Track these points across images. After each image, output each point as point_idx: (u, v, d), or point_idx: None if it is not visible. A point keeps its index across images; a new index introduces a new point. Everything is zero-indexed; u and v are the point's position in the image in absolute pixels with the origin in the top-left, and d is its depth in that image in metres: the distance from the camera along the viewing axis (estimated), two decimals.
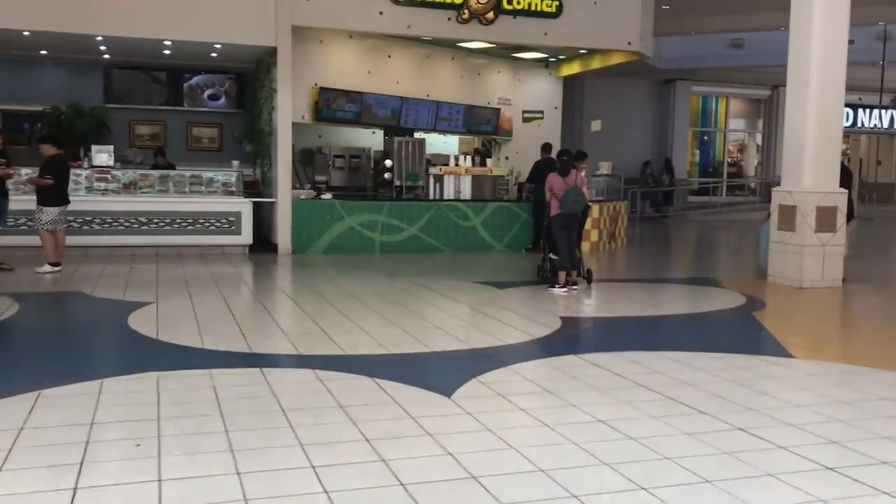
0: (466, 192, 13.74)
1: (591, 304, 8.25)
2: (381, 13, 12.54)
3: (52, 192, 9.63)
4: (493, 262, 12.33)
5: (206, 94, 14.53)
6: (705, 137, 26.93)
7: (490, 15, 12.98)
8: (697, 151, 26.79)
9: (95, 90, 14.32)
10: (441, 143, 16.22)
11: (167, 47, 12.66)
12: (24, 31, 11.39)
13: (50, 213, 9.61)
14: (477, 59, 16.29)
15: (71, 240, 10.43)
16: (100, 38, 12.06)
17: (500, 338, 6.35)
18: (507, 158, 17.19)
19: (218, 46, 12.61)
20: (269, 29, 12.05)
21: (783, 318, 7.79)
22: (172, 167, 12.87)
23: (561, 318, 7.34)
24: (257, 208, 13.23)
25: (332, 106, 13.84)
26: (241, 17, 11.94)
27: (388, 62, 14.83)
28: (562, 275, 9.11)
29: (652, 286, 9.94)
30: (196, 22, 11.71)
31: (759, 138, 27.44)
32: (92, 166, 11.84)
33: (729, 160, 27.37)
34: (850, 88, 9.97)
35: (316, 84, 13.73)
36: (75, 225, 10.98)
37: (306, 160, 14.10)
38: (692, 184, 26.16)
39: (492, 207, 13.47)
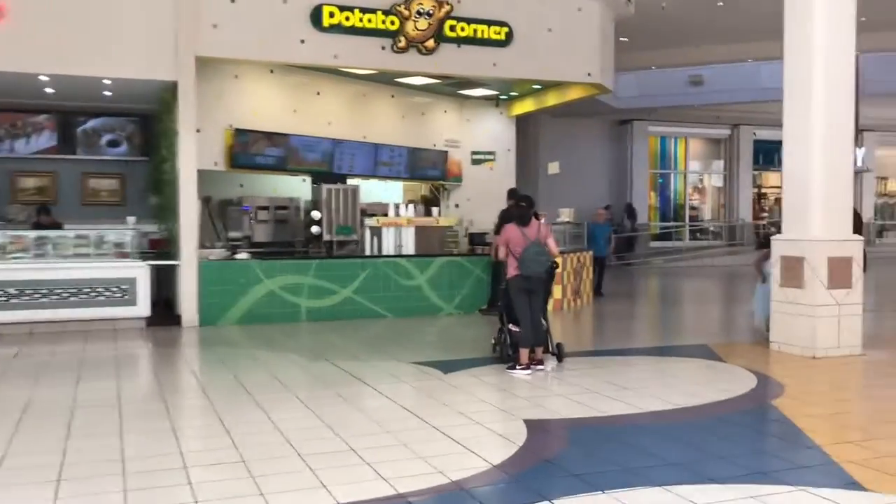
0: (409, 246, 11.85)
1: (563, 396, 6.34)
2: (302, 41, 10.73)
3: None
4: (440, 329, 10.40)
5: (104, 139, 12.48)
6: (663, 180, 25.58)
7: (430, 43, 11.26)
8: (655, 195, 25.41)
9: None
10: (382, 191, 14.39)
11: (46, 84, 10.64)
12: None
13: None
14: (420, 98, 14.58)
15: None
16: None
17: (439, 469, 4.40)
18: (457, 206, 15.44)
19: (107, 82, 10.63)
20: (169, 61, 10.15)
21: (814, 409, 5.98)
22: (59, 226, 10.78)
23: (526, 422, 5.42)
24: (163, 273, 11.17)
25: (250, 150, 11.93)
26: (134, 46, 10.02)
27: (317, 100, 13.02)
28: (524, 352, 7.22)
29: (633, 360, 8.09)
30: (77, 53, 9.76)
31: (719, 180, 26.19)
32: None
33: (690, 203, 26.04)
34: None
35: (231, 125, 11.83)
36: None
37: (226, 214, 12.11)
38: (653, 228, 24.72)
39: (439, 263, 11.59)
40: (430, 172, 14.74)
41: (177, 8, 10.10)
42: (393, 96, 14.20)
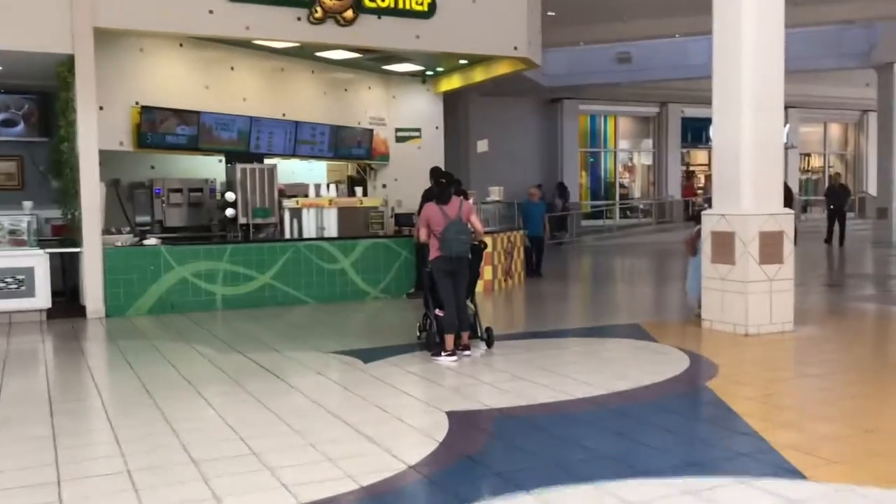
0: (332, 229, 11.32)
1: (490, 384, 5.96)
2: (210, 12, 10.03)
3: None
4: (365, 315, 9.93)
5: None
6: (593, 159, 25.50)
7: (349, 14, 10.68)
8: (586, 173, 25.32)
9: None
10: (306, 171, 13.77)
11: None
12: None
13: None
14: (342, 73, 14.00)
15: None
16: None
17: (349, 472, 3.96)
18: (384, 186, 14.94)
19: None
20: (64, 32, 9.35)
21: (749, 390, 5.74)
22: None
23: (448, 414, 5.02)
24: (69, 262, 10.41)
25: (159, 129, 11.19)
26: (24, 16, 9.19)
27: (232, 76, 12.33)
28: (449, 338, 6.82)
29: (565, 343, 7.77)
30: None
31: (648, 158, 26.26)
32: None
33: (620, 182, 26.04)
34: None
35: (137, 103, 11.06)
36: None
37: (134, 197, 11.35)
38: (585, 207, 24.64)
39: (364, 246, 11.10)
40: (354, 151, 14.18)
41: None
42: (313, 72, 13.58)
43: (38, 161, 11.87)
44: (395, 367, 6.55)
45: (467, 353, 6.93)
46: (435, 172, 8.28)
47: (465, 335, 7.01)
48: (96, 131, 9.59)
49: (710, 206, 8.23)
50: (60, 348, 8.01)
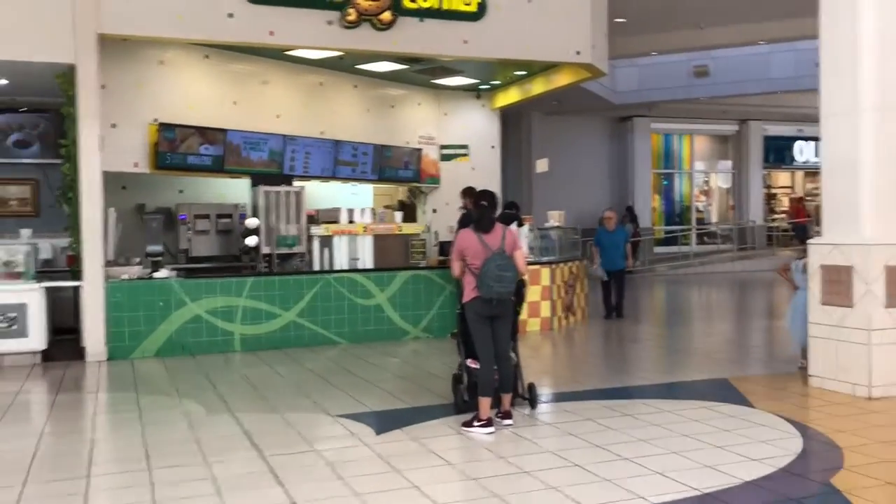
0: (367, 259, 10.02)
1: (530, 472, 4.47)
2: (230, 15, 8.92)
3: None
4: (399, 360, 8.53)
5: (11, 139, 10.66)
6: (667, 181, 23.69)
7: (386, 16, 9.44)
8: (659, 196, 23.51)
9: None
10: (349, 197, 12.55)
11: None
12: None
13: None
14: (388, 88, 12.80)
15: None
16: None
17: None
18: (434, 211, 13.63)
19: None
20: (64, 39, 8.34)
21: (893, 492, 4.11)
22: None
23: None
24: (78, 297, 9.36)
25: (179, 149, 10.12)
26: (18, 22, 8.22)
27: (264, 91, 11.25)
28: (485, 403, 5.36)
29: (633, 407, 6.16)
30: None
31: (727, 179, 24.31)
32: None
33: (696, 205, 24.12)
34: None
35: (156, 119, 10.03)
36: None
37: (145, 224, 10.28)
38: (657, 233, 22.82)
39: (402, 278, 9.73)
40: (401, 173, 12.95)
41: None
42: (356, 86, 12.42)
43: (54, 185, 10.94)
44: (413, 440, 5.11)
45: (508, 422, 5.45)
46: (473, 193, 6.78)
47: (506, 398, 5.55)
48: (97, 150, 8.50)
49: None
50: (25, 403, 6.83)
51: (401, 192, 14.07)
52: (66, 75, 8.60)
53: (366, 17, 9.38)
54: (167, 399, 6.61)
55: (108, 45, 8.83)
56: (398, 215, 10.87)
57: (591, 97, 17.76)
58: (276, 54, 10.86)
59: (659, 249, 22.46)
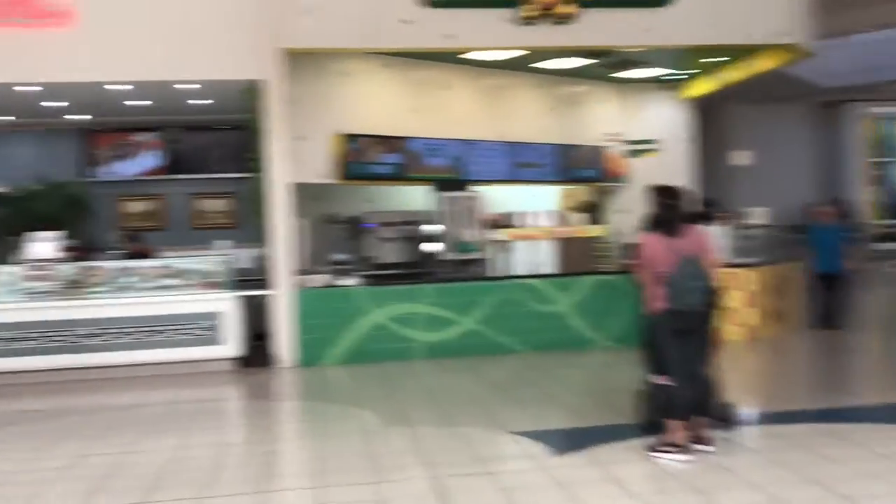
0: (549, 264, 9.62)
1: None
2: (407, 22, 8.86)
3: None
4: (584, 372, 8.08)
5: (212, 156, 11.30)
6: (884, 171, 21.27)
7: (568, 8, 8.99)
8: (877, 188, 21.18)
9: (66, 159, 11.31)
10: (531, 199, 12.19)
11: (130, 95, 9.52)
12: None
13: None
14: (571, 86, 12.31)
15: None
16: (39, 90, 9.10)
17: None
18: (622, 212, 12.96)
19: (194, 88, 9.36)
20: (250, 56, 8.66)
21: None
22: (147, 254, 9.63)
23: None
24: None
25: (363, 158, 10.23)
26: (213, 43, 8.63)
27: (442, 96, 11.14)
28: (677, 427, 4.80)
29: (853, 433, 5.29)
30: (145, 56, 8.51)
31: None
32: (27, 261, 8.69)
33: None
34: None
35: (340, 131, 10.20)
36: None
37: (325, 231, 10.51)
38: (876, 228, 20.56)
39: (587, 284, 9.25)
40: (584, 173, 12.42)
41: None
42: (538, 87, 12.04)
43: (248, 197, 11.50)
44: (595, 465, 4.67)
45: (709, 449, 4.85)
46: (656, 191, 6.13)
47: (702, 422, 4.96)
48: (284, 163, 8.75)
49: None
50: (214, 410, 7.08)
51: (586, 192, 13.54)
52: (253, 91, 8.92)
53: (546, 12, 8.99)
54: (348, 409, 6.59)
55: (292, 60, 9.06)
56: (582, 217, 10.38)
57: (794, 83, 16.25)
58: (452, 58, 10.73)
59: (877, 246, 20.24)
